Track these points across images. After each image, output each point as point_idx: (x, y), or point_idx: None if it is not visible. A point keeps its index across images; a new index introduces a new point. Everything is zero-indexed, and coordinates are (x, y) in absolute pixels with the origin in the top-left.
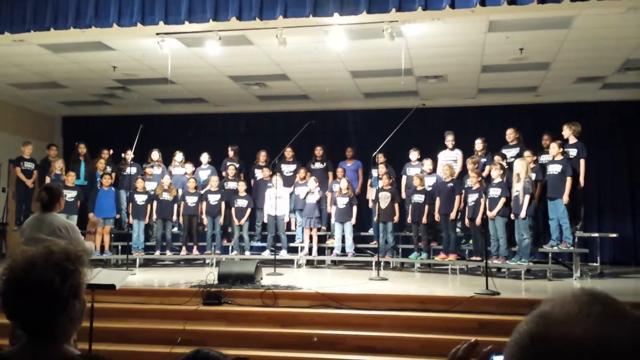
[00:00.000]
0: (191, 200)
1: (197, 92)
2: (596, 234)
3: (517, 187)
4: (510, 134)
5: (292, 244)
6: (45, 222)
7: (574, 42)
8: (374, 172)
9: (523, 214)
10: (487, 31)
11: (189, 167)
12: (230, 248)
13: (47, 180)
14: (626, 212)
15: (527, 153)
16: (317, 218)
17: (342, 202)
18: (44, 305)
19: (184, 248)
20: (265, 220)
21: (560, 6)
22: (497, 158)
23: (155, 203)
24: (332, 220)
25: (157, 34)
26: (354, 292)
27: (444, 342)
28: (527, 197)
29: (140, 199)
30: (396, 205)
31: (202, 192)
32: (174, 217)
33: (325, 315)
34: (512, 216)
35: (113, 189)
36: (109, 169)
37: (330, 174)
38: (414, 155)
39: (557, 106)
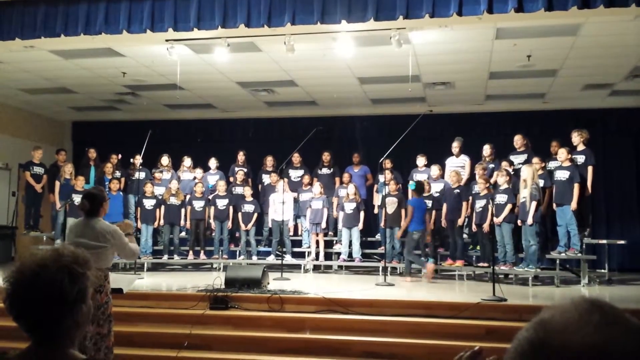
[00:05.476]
0: (198, 204)
1: (205, 97)
2: (604, 241)
3: (524, 194)
4: (517, 141)
5: (299, 249)
6: (89, 227)
7: (582, 49)
8: (381, 178)
9: (530, 220)
10: (494, 38)
11: (198, 172)
12: (237, 253)
13: (57, 184)
14: (635, 219)
15: (535, 159)
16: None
17: (350, 207)
18: (52, 307)
19: (191, 253)
20: (270, 225)
21: (568, 14)
22: (504, 164)
23: (162, 208)
24: (339, 225)
25: (167, 40)
26: (360, 298)
27: (450, 349)
28: (534, 203)
29: (148, 203)
30: (403, 211)
31: (210, 197)
32: (182, 222)
33: (332, 320)
34: (519, 222)
35: (121, 193)
36: (117, 174)
37: (337, 179)
38: (421, 161)
39: (565, 113)
